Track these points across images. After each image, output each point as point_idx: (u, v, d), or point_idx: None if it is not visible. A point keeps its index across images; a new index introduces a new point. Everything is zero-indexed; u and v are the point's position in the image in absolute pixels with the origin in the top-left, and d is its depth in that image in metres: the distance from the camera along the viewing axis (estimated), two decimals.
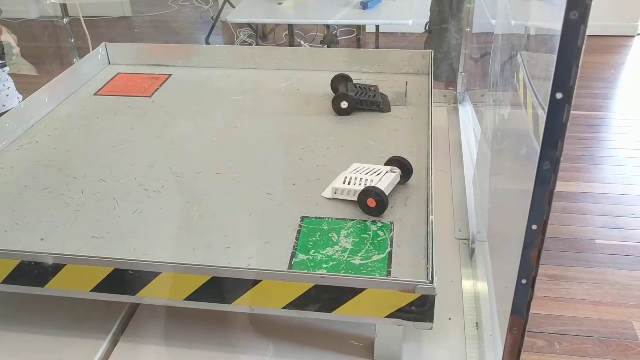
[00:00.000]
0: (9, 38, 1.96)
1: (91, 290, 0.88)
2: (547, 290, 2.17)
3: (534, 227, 0.53)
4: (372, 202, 1.01)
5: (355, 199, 1.03)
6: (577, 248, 2.39)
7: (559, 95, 0.46)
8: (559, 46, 0.43)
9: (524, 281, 0.56)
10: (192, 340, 0.95)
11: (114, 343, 0.95)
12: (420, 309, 0.81)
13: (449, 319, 0.96)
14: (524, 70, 1.25)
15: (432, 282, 0.79)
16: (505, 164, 1.22)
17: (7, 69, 2.00)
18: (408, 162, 1.11)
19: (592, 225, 2.53)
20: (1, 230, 1.01)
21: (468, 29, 1.63)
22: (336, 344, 0.92)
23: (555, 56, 0.44)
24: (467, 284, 1.07)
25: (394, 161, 1.12)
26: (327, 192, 1.08)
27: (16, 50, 1.96)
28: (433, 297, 0.79)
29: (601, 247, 2.40)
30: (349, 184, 1.06)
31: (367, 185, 1.03)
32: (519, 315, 0.59)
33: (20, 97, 2.12)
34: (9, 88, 2.08)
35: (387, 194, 1.02)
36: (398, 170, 1.09)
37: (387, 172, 1.08)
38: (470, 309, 1.02)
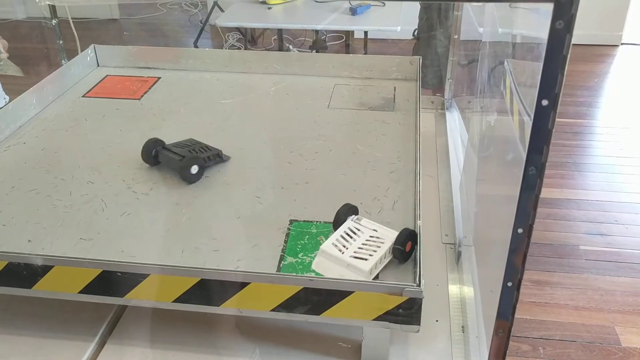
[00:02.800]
0: (2, 43, 1.95)
1: (79, 292, 0.88)
2: (532, 296, 2.19)
3: (520, 230, 0.55)
4: (409, 245, 0.92)
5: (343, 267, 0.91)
6: (561, 254, 2.42)
7: (544, 102, 0.47)
8: (545, 54, 0.44)
9: (509, 284, 0.57)
10: (180, 342, 0.95)
11: (101, 345, 0.95)
12: (407, 312, 0.81)
13: (436, 321, 0.97)
14: (511, 78, 1.27)
15: (419, 285, 0.80)
16: (492, 170, 1.24)
17: None
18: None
19: (576, 232, 2.56)
20: None
21: (456, 37, 1.65)
22: (323, 346, 0.93)
23: (541, 64, 0.46)
24: (453, 288, 1.08)
25: (345, 212, 0.99)
26: (364, 274, 0.90)
27: (4, 55, 1.95)
28: (420, 300, 0.80)
29: (585, 253, 2.43)
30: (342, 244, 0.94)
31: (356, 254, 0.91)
32: (505, 317, 0.60)
33: (7, 98, 2.10)
34: None
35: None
36: (357, 213, 1.00)
37: (364, 227, 0.96)
38: (456, 313, 1.03)
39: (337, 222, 0.98)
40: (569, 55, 0.45)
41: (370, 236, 0.95)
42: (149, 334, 0.97)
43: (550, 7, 0.45)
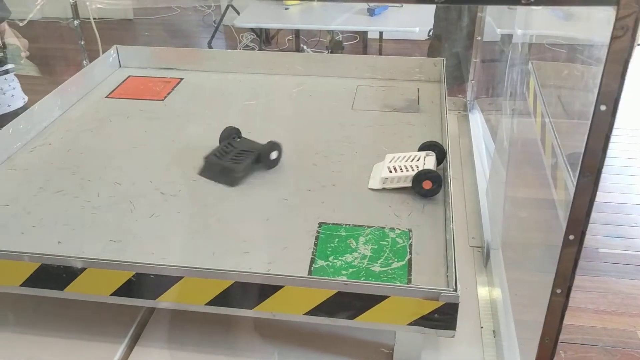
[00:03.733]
0: (17, 42, 1.96)
1: (111, 294, 0.88)
2: None
3: (571, 237, 0.54)
4: (428, 184, 1.06)
5: (407, 184, 1.08)
6: (580, 257, 2.40)
7: (603, 108, 0.46)
8: (607, 58, 0.44)
9: (559, 291, 0.56)
10: (208, 345, 0.94)
11: (130, 347, 0.95)
12: (443, 317, 0.81)
13: (482, 327, 0.96)
14: (535, 79, 1.26)
15: (455, 290, 0.79)
16: (519, 172, 1.23)
17: (12, 69, 1.99)
18: (440, 145, 1.17)
19: (595, 234, 2.53)
20: (18, 233, 1.01)
21: (479, 38, 1.64)
22: (352, 350, 0.92)
23: (601, 68, 0.45)
24: (482, 292, 1.07)
25: (427, 147, 1.17)
26: (375, 184, 1.11)
27: (24, 54, 1.96)
28: (456, 305, 0.79)
29: (604, 255, 2.41)
30: (395, 172, 1.10)
31: (417, 169, 1.09)
32: (552, 325, 0.59)
33: (26, 98, 2.12)
34: (14, 89, 2.08)
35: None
36: (434, 154, 1.13)
37: (425, 156, 1.12)
38: (486, 317, 1.02)
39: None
40: (630, 60, 0.44)
41: (416, 166, 1.11)
42: (178, 337, 0.97)
43: (610, 10, 0.44)
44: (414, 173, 1.08)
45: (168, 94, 1.53)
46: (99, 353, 0.93)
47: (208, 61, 1.67)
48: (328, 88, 1.56)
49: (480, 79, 1.76)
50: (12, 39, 1.98)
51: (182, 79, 1.62)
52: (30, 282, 0.89)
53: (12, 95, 2.08)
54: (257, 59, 1.66)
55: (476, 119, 1.68)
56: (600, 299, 2.18)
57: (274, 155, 1.19)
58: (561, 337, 1.98)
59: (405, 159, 1.13)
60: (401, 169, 1.10)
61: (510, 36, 1.82)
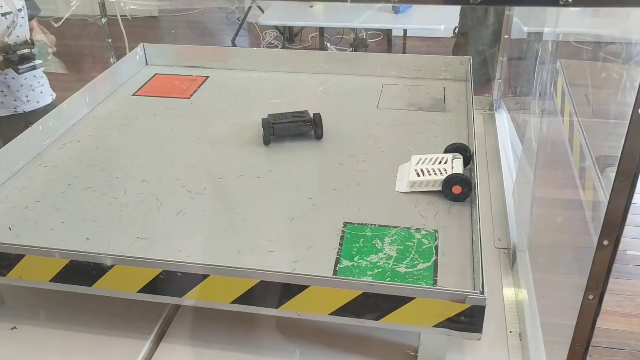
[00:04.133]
0: (44, 38, 1.98)
1: (138, 291, 0.89)
2: (577, 302, 2.14)
3: (606, 242, 0.53)
4: (458, 189, 1.05)
5: (437, 188, 1.07)
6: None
7: None
8: None
9: (591, 297, 0.55)
10: (233, 343, 0.95)
11: (156, 343, 0.96)
12: (469, 319, 0.80)
13: (510, 332, 0.96)
14: (563, 78, 1.24)
15: (482, 292, 0.79)
16: (546, 173, 1.21)
17: (39, 64, 2.01)
18: (467, 147, 1.15)
19: (624, 236, 2.48)
20: (47, 229, 1.02)
21: (506, 36, 1.62)
22: (376, 350, 0.92)
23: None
24: (508, 294, 1.06)
25: (453, 149, 1.16)
26: (403, 187, 1.10)
27: (52, 50, 1.98)
28: (483, 307, 0.79)
29: (632, 258, 2.36)
30: (423, 175, 1.09)
31: (445, 173, 1.07)
32: (584, 330, 0.58)
33: (54, 94, 2.14)
34: (43, 85, 2.10)
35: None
36: (461, 157, 1.12)
37: (452, 159, 1.11)
38: (512, 319, 1.01)
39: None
40: None
41: (444, 169, 1.09)
42: (203, 334, 0.97)
43: None
44: (443, 177, 1.07)
45: (194, 91, 1.54)
46: (125, 348, 0.94)
47: (234, 59, 1.68)
48: (353, 86, 1.56)
49: (507, 78, 1.74)
50: (40, 36, 2.01)
51: (207, 77, 1.63)
52: (59, 277, 0.90)
53: (41, 92, 2.10)
54: (283, 57, 1.66)
55: (502, 119, 1.66)
56: (627, 302, 2.14)
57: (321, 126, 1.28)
58: None
59: (433, 161, 1.12)
60: (429, 172, 1.09)
61: (538, 34, 1.79)
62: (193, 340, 0.97)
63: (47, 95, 2.13)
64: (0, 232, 1.02)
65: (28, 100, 2.07)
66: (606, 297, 1.90)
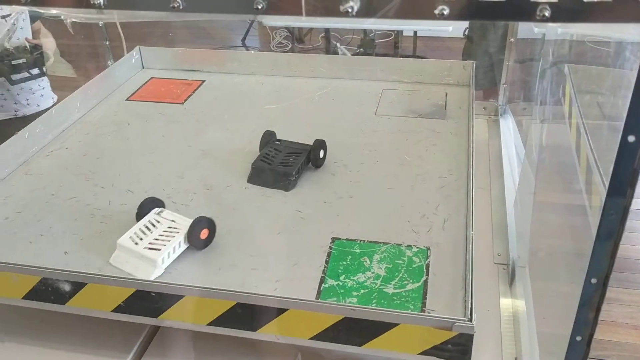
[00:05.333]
0: (49, 44, 1.96)
1: (112, 311, 0.85)
2: None
3: (594, 281, 0.48)
4: (206, 232, 0.95)
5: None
6: (619, 268, 2.29)
7: (631, 139, 0.40)
8: (636, 85, 0.37)
9: (578, 338, 0.50)
10: None
11: None
12: (457, 347, 0.75)
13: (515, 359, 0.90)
14: (570, 84, 1.18)
15: (470, 319, 0.74)
16: (550, 185, 1.15)
17: (37, 76, 1.98)
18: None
19: (636, 244, 2.41)
20: (26, 242, 0.99)
21: (512, 40, 1.56)
22: None
23: (629, 96, 0.39)
24: (505, 313, 1.01)
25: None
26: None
27: (51, 60, 1.95)
28: (471, 336, 0.74)
29: None
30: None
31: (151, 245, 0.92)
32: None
33: (55, 97, 2.12)
34: (44, 88, 2.09)
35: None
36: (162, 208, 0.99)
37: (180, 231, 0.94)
38: (509, 341, 0.96)
39: (140, 214, 0.99)
40: None
41: (168, 227, 0.96)
42: (184, 354, 0.93)
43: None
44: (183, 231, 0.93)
45: (189, 96, 1.51)
46: None
47: (231, 63, 1.64)
48: (352, 91, 1.51)
49: (515, 82, 1.68)
50: (44, 39, 1.98)
51: (203, 81, 1.59)
52: (32, 295, 0.87)
53: (42, 95, 2.09)
54: (281, 60, 1.62)
55: (508, 125, 1.60)
56: (639, 314, 2.07)
57: (321, 153, 1.17)
58: (597, 354, 1.88)
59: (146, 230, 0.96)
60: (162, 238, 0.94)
61: (545, 37, 1.73)
62: (173, 359, 0.93)
63: (47, 99, 2.11)
64: None
65: (28, 104, 2.05)
66: (617, 308, 1.84)
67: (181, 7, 0.41)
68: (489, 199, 1.27)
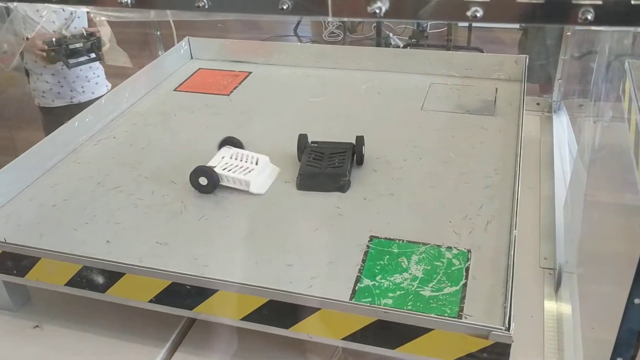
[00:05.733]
0: (105, 31, 2.01)
1: (149, 301, 0.86)
2: None
3: (637, 301, 0.44)
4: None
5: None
6: None
7: None
8: None
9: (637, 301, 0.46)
10: (250, 357, 0.91)
11: (171, 352, 0.94)
12: (493, 357, 0.72)
13: None
14: (631, 80, 1.12)
15: (508, 329, 0.71)
16: (603, 185, 1.10)
17: (91, 60, 2.03)
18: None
19: None
20: (71, 229, 1.02)
21: (569, 33, 1.49)
22: None
23: None
24: (549, 321, 0.97)
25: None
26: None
27: (107, 46, 2.00)
28: (509, 345, 0.71)
29: None
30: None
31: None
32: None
33: (109, 85, 2.18)
34: (98, 76, 2.14)
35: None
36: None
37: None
38: (552, 351, 0.92)
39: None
40: None
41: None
42: (220, 346, 0.94)
43: None
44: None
45: (235, 88, 1.51)
46: (140, 355, 0.92)
47: (278, 54, 1.63)
48: (398, 85, 1.48)
49: (571, 78, 1.61)
50: (101, 27, 2.03)
51: (250, 72, 1.59)
52: (73, 282, 0.89)
53: (96, 83, 2.14)
54: (328, 52, 1.60)
55: (562, 122, 1.54)
56: None
57: (364, 150, 1.15)
58: None
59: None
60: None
61: (604, 30, 1.65)
62: (208, 351, 0.93)
63: (102, 87, 2.16)
64: (27, 230, 1.02)
65: (83, 91, 2.12)
66: None
67: (206, 7, 0.40)
68: (538, 200, 1.23)
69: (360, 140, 1.15)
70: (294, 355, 0.90)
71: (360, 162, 1.15)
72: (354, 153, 1.14)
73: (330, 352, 0.89)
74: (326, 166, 1.10)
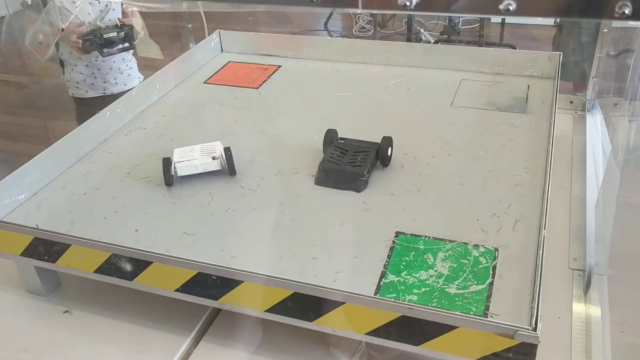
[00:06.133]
0: (138, 22, 2.04)
1: (175, 290, 0.87)
2: None
3: None
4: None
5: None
6: None
7: None
8: None
9: None
10: (274, 349, 0.91)
11: (196, 341, 0.95)
12: (519, 357, 0.71)
13: None
14: None
15: (535, 329, 0.70)
16: (638, 187, 1.07)
17: (124, 49, 2.07)
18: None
19: None
20: (101, 217, 1.03)
21: (605, 30, 1.46)
22: None
23: None
24: (577, 323, 0.95)
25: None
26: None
27: (140, 35, 2.03)
28: (535, 345, 0.70)
29: None
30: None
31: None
32: None
33: (142, 77, 2.21)
34: (131, 68, 2.18)
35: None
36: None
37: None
38: (579, 354, 0.90)
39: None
40: None
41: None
42: (244, 336, 0.95)
43: None
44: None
45: (264, 81, 1.52)
46: (166, 343, 0.93)
47: (307, 48, 1.63)
48: (428, 81, 1.47)
49: (606, 76, 1.57)
50: (133, 19, 2.06)
51: (279, 66, 1.59)
52: (102, 269, 0.91)
53: (129, 75, 2.18)
54: (357, 47, 1.59)
55: (595, 121, 1.51)
56: None
57: (389, 151, 1.13)
58: None
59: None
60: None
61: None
62: (233, 341, 0.94)
63: (134, 79, 2.20)
64: (59, 217, 1.04)
65: (116, 83, 2.15)
66: None
67: None
68: (569, 200, 1.21)
69: (386, 141, 1.12)
70: (317, 349, 0.90)
71: (385, 163, 1.13)
72: (378, 153, 1.12)
73: (353, 347, 0.89)
74: (346, 163, 1.09)
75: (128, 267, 0.88)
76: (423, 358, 0.86)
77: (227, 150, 1.13)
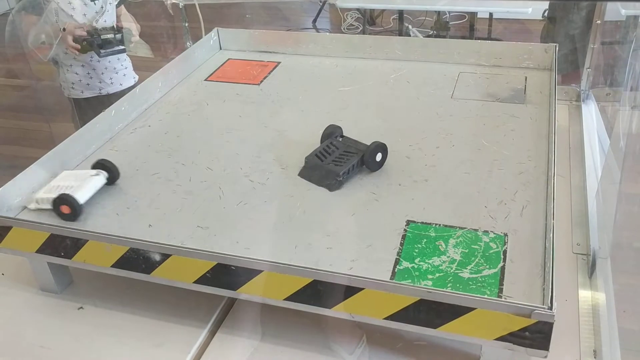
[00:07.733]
0: (132, 27, 2.04)
1: (194, 282, 0.89)
2: None
3: None
4: (66, 209, 1.01)
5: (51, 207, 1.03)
6: None
7: None
8: None
9: None
10: (289, 338, 0.93)
11: (212, 333, 0.96)
12: (535, 336, 0.74)
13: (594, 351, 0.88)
14: None
15: (551, 307, 0.72)
16: (636, 174, 1.10)
17: (122, 51, 2.07)
18: (114, 166, 1.11)
19: None
20: (114, 214, 1.04)
21: (599, 21, 1.49)
22: (435, 356, 0.88)
23: None
24: (583, 304, 0.98)
25: (99, 165, 1.11)
26: (32, 204, 1.06)
27: (135, 38, 2.03)
28: (551, 324, 0.72)
29: None
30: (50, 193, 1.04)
31: (63, 192, 1.02)
32: None
33: (137, 77, 2.21)
34: (126, 68, 2.18)
35: (85, 199, 1.04)
36: (104, 174, 1.10)
37: (91, 175, 1.08)
38: (587, 334, 0.93)
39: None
40: None
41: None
42: (259, 327, 0.96)
43: None
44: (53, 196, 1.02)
45: (264, 78, 1.53)
46: (182, 336, 0.95)
47: (307, 45, 1.65)
48: (427, 74, 1.49)
49: (599, 67, 1.61)
50: (127, 23, 2.07)
51: (279, 62, 1.61)
52: (119, 264, 0.92)
53: (124, 75, 2.18)
54: (356, 43, 1.61)
55: (590, 111, 1.54)
56: None
57: (378, 157, 1.11)
58: None
59: (74, 178, 1.08)
60: (56, 190, 1.04)
61: (637, 17, 1.64)
62: (249, 332, 0.96)
63: (129, 78, 2.20)
64: None
65: (112, 83, 2.15)
66: None
67: None
68: (569, 188, 1.24)
69: (375, 147, 1.10)
70: (333, 337, 0.92)
71: (372, 168, 1.11)
72: (363, 157, 1.10)
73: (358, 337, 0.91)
74: (330, 161, 1.10)
75: (147, 260, 0.89)
76: (424, 346, 0.89)
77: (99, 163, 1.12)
